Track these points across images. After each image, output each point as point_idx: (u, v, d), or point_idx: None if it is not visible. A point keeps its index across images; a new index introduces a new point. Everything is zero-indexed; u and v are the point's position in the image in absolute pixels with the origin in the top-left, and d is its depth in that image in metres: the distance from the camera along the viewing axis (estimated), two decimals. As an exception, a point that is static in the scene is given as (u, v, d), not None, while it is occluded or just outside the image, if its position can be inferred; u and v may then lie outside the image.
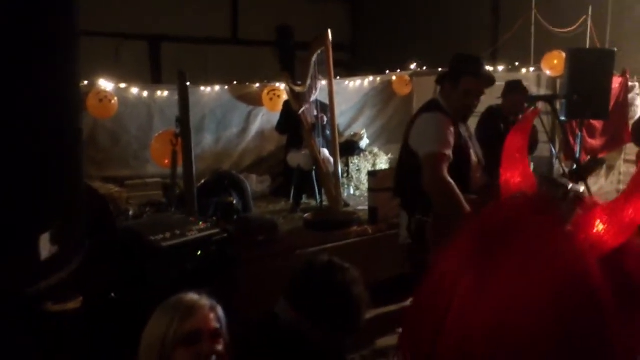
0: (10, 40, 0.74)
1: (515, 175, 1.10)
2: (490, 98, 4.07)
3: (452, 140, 2.89)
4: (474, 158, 3.07)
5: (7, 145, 0.73)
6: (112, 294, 3.07)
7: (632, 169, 6.28)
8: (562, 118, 5.29)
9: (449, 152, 2.85)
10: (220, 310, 1.79)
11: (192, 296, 1.78)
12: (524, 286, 0.78)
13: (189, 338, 1.68)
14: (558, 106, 5.14)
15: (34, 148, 0.78)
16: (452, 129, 2.94)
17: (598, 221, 0.85)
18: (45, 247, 0.78)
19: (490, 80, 3.18)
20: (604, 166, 6.36)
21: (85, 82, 5.74)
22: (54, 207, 0.82)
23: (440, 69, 7.65)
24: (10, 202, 0.73)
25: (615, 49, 5.50)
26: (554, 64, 6.26)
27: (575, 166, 3.47)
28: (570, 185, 0.93)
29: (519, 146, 1.18)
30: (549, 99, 3.74)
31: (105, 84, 5.86)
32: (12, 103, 0.75)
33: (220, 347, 1.73)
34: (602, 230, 0.85)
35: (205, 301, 1.77)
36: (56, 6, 0.86)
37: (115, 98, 5.82)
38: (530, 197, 0.94)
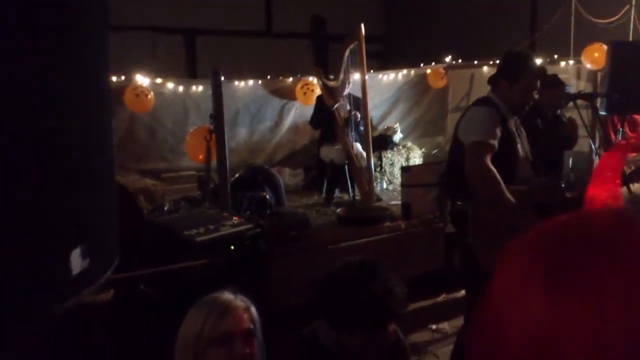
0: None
1: (603, 192, 1.07)
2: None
3: (498, 132, 2.99)
4: (520, 152, 3.15)
5: (34, 158, 0.73)
6: (141, 286, 3.13)
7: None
8: (602, 113, 5.13)
9: (494, 142, 2.95)
10: (254, 310, 1.79)
11: (227, 296, 1.77)
12: (610, 303, 0.70)
13: (222, 338, 1.68)
14: (598, 101, 4.98)
15: (62, 158, 0.77)
16: (499, 122, 3.04)
17: None
18: (77, 262, 0.79)
19: (542, 70, 3.25)
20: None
21: (123, 77, 5.86)
22: (86, 221, 0.83)
23: (476, 62, 7.52)
24: (40, 218, 0.74)
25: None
26: (594, 57, 6.07)
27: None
28: None
29: (613, 166, 1.17)
30: (589, 97, 3.63)
31: (142, 79, 5.96)
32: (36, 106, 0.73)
33: (253, 348, 1.74)
34: None
35: (239, 301, 1.77)
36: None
37: (152, 93, 5.92)
38: (621, 214, 0.85)
